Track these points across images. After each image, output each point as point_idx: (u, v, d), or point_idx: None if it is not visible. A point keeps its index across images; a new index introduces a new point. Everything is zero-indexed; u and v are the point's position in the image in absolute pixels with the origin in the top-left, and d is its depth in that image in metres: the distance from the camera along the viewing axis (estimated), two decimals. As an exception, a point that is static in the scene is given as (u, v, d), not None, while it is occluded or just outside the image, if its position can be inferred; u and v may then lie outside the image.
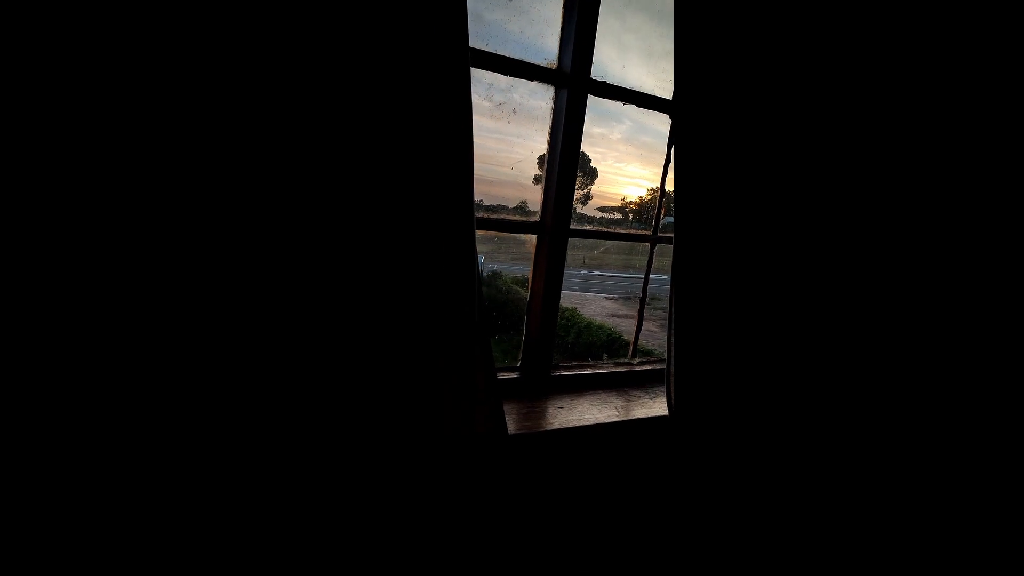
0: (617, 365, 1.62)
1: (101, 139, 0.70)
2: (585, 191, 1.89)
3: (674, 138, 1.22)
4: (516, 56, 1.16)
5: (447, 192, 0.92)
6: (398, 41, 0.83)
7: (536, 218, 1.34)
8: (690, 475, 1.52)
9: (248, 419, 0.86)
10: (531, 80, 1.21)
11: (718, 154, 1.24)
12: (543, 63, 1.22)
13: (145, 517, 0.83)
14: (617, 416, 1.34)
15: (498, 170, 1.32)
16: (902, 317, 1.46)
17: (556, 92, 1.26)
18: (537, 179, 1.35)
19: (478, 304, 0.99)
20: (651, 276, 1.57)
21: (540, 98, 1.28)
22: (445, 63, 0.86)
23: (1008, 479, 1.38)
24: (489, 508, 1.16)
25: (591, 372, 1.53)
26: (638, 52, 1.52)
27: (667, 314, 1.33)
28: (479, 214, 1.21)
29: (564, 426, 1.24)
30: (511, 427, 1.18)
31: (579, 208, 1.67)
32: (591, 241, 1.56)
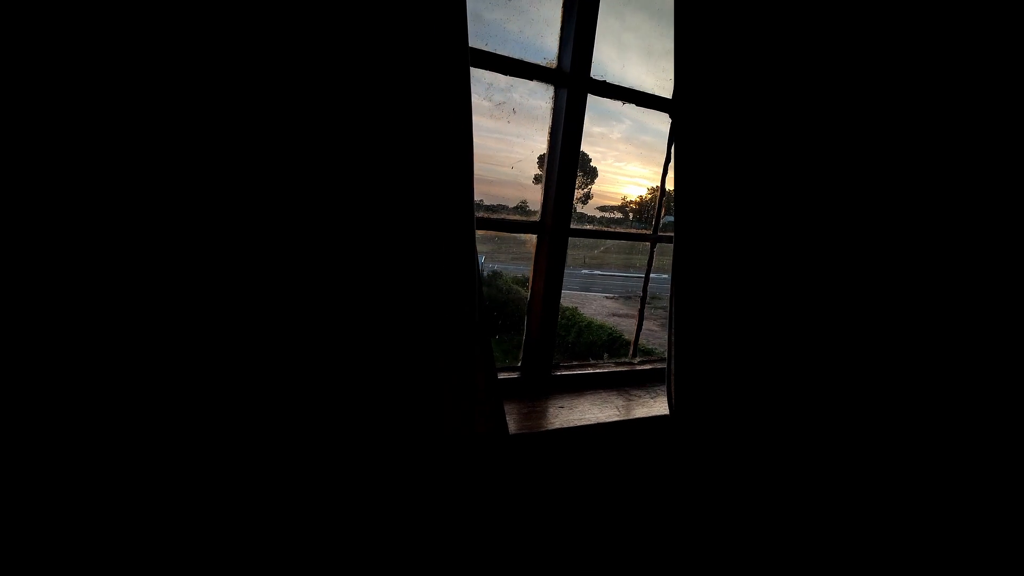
0: (618, 364, 1.62)
1: (102, 140, 0.70)
2: (585, 190, 1.88)
3: (674, 137, 1.22)
4: (516, 56, 1.16)
5: (447, 192, 0.92)
6: (397, 41, 0.83)
7: (536, 218, 1.34)
8: (691, 474, 1.52)
9: (249, 419, 0.86)
10: (531, 80, 1.21)
11: (718, 153, 1.23)
12: (543, 62, 1.22)
13: (146, 517, 0.83)
14: (618, 416, 1.34)
15: (498, 170, 1.32)
16: (903, 316, 1.45)
17: (556, 91, 1.26)
18: (537, 179, 1.35)
19: (478, 304, 0.99)
20: (652, 275, 1.57)
21: (540, 98, 1.28)
22: (445, 63, 0.86)
23: (1008, 479, 1.38)
24: (490, 508, 1.16)
25: (592, 372, 1.53)
26: (638, 51, 1.52)
27: (668, 313, 1.33)
28: (479, 214, 1.21)
29: (565, 426, 1.24)
30: (512, 427, 1.18)
31: (579, 207, 1.67)
32: (591, 240, 1.56)
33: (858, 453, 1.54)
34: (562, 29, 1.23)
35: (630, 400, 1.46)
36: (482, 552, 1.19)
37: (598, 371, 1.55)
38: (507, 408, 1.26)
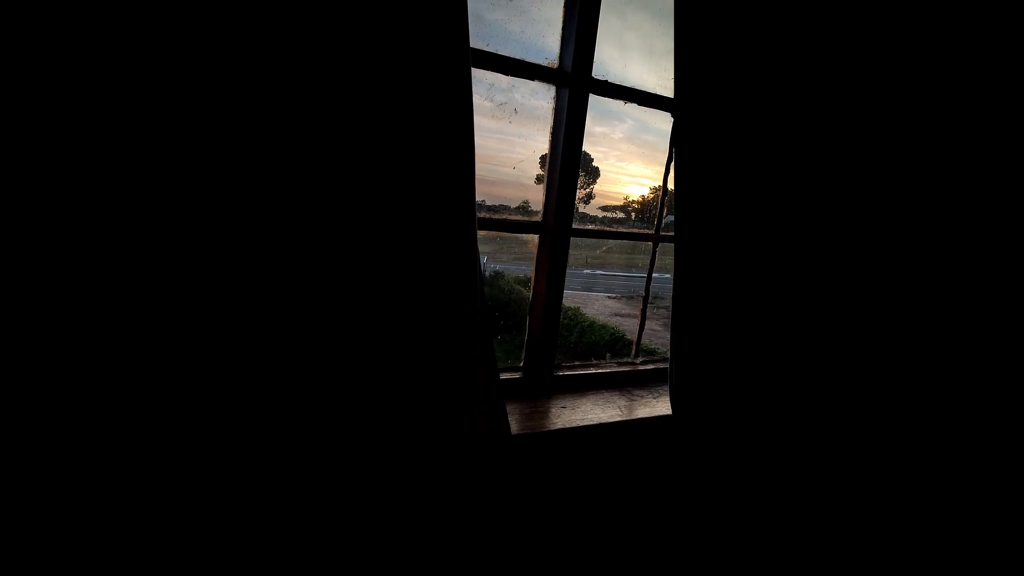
0: (620, 364, 1.61)
1: (104, 141, 0.71)
2: (587, 190, 1.88)
3: (676, 136, 1.22)
4: (517, 56, 1.16)
5: (449, 193, 0.92)
6: (399, 42, 0.83)
7: (538, 218, 1.34)
8: (694, 474, 1.51)
9: (250, 419, 0.86)
10: (532, 80, 1.21)
11: (720, 152, 1.23)
12: (544, 63, 1.22)
13: (146, 517, 0.83)
14: (620, 416, 1.33)
15: (500, 170, 1.32)
16: (904, 314, 1.45)
17: (557, 91, 1.26)
18: (539, 179, 1.34)
19: (480, 304, 0.99)
20: (654, 275, 1.56)
21: (541, 98, 1.28)
22: (446, 64, 0.86)
23: (1007, 478, 1.37)
24: (491, 508, 1.16)
25: (594, 372, 1.53)
26: (639, 50, 1.51)
27: (670, 313, 1.32)
28: (481, 214, 1.21)
29: (567, 426, 1.24)
30: (514, 427, 1.18)
31: (581, 207, 1.66)
32: (594, 240, 1.56)
33: (859, 452, 1.54)
34: (563, 29, 1.23)
35: (633, 400, 1.45)
36: (484, 552, 1.19)
37: (600, 371, 1.54)
38: (509, 408, 1.26)
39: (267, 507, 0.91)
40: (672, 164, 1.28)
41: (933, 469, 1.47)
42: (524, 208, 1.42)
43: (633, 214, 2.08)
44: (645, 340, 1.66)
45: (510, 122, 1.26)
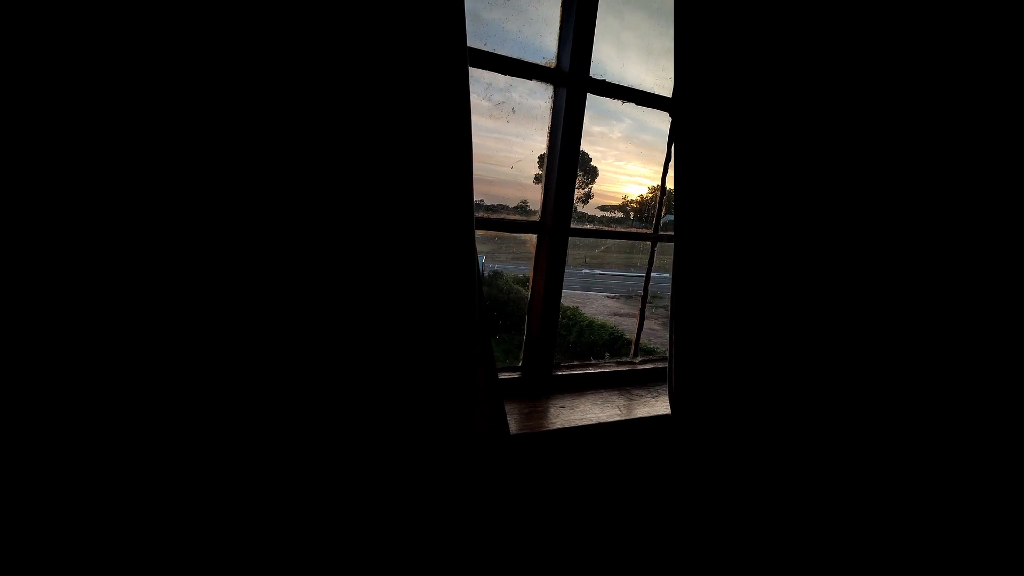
0: (619, 364, 1.61)
1: (101, 140, 0.70)
2: (586, 190, 1.88)
3: (674, 136, 1.22)
4: (515, 55, 1.16)
5: (446, 192, 0.91)
6: (395, 41, 0.83)
7: (536, 217, 1.34)
8: (693, 474, 1.51)
9: (248, 419, 0.86)
10: (530, 79, 1.21)
11: (719, 152, 1.23)
12: (542, 62, 1.22)
13: (145, 517, 0.83)
14: (619, 415, 1.33)
15: (498, 170, 1.32)
16: (904, 313, 1.45)
17: (555, 91, 1.26)
18: (537, 178, 1.34)
19: (478, 304, 0.99)
20: (652, 274, 1.56)
21: (539, 97, 1.28)
22: (443, 63, 0.86)
23: (1007, 478, 1.38)
24: (490, 508, 1.15)
25: (593, 371, 1.53)
26: (637, 50, 1.52)
27: (669, 312, 1.32)
28: (479, 214, 1.21)
29: (566, 426, 1.24)
30: (513, 427, 1.18)
31: (580, 207, 1.66)
32: (592, 240, 1.56)
33: (858, 451, 1.54)
34: (561, 28, 1.23)
35: (631, 400, 1.45)
36: (483, 552, 1.19)
37: (599, 371, 1.54)
38: (508, 408, 1.26)
39: (267, 507, 0.91)
40: (670, 164, 1.28)
41: (933, 468, 1.47)
42: (522, 208, 1.41)
43: (632, 214, 2.08)
44: (644, 339, 1.66)
45: (508, 121, 1.26)
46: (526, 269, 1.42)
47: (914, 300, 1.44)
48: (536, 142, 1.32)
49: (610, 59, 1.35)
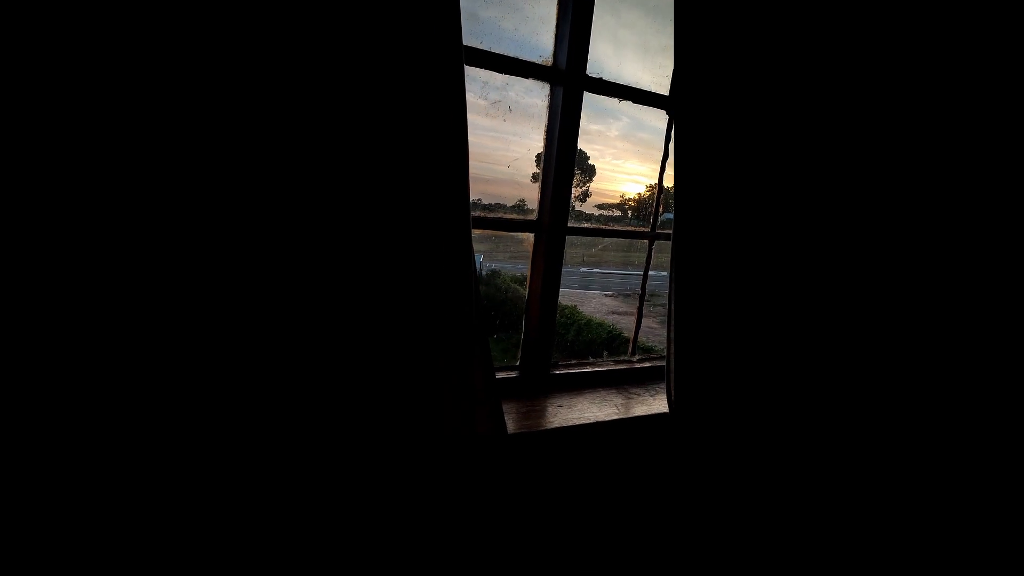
0: (617, 363, 1.61)
1: (100, 140, 0.70)
2: (583, 188, 1.87)
3: (672, 134, 1.22)
4: (511, 54, 1.15)
5: (443, 192, 0.91)
6: (391, 40, 0.82)
7: (534, 216, 1.33)
8: (691, 472, 1.51)
9: (247, 420, 0.85)
10: (526, 78, 1.21)
11: (716, 150, 1.23)
12: (538, 60, 1.22)
13: (144, 517, 0.82)
14: (617, 414, 1.33)
15: (495, 168, 1.32)
16: (904, 313, 1.45)
17: (552, 89, 1.25)
18: (534, 177, 1.34)
19: (476, 303, 0.98)
20: (650, 273, 1.56)
21: (536, 96, 1.27)
22: (439, 62, 0.86)
23: (1008, 476, 1.38)
24: (489, 508, 1.15)
25: (591, 370, 1.53)
26: (634, 48, 1.51)
27: (667, 311, 1.32)
28: (476, 213, 1.21)
29: (564, 425, 1.24)
30: (510, 426, 1.18)
31: (578, 205, 1.66)
32: (590, 238, 1.55)
33: (857, 450, 1.54)
34: (557, 26, 1.23)
35: (629, 398, 1.45)
36: (482, 552, 1.19)
37: (597, 369, 1.54)
38: (506, 407, 1.26)
39: (268, 507, 0.91)
40: (668, 162, 1.28)
41: (933, 468, 1.47)
42: (520, 207, 1.41)
43: (629, 212, 2.08)
44: (642, 338, 1.66)
45: (504, 120, 1.25)
46: (524, 268, 1.42)
47: (913, 298, 1.44)
48: (533, 141, 1.31)
49: (607, 57, 1.35)
